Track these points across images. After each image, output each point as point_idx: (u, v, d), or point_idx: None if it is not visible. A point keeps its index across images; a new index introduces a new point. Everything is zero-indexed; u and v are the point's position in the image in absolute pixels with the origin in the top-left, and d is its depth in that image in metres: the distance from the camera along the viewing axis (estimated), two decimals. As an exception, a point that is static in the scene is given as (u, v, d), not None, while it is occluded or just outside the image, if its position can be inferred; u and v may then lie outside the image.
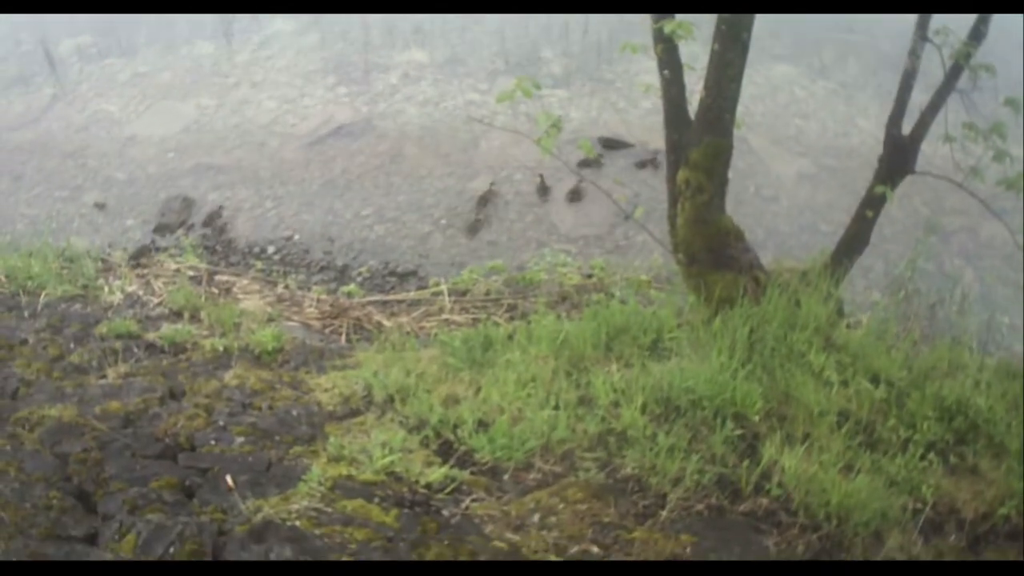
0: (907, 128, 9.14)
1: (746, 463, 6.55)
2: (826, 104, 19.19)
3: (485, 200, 15.63)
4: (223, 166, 16.69)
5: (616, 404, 7.00)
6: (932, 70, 9.11)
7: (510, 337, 8.33)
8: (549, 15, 21.17)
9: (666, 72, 8.48)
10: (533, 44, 20.76)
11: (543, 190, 15.40)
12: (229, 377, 8.02)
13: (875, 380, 7.82)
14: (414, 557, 5.05)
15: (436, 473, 6.24)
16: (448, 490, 6.10)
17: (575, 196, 15.39)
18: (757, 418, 7.03)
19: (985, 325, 12.48)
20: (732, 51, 7.85)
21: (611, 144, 16.61)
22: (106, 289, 10.96)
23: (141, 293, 11.07)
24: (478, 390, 7.36)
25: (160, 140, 17.72)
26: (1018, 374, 8.71)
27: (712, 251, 8.60)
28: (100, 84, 20.46)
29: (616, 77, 19.09)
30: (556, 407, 6.98)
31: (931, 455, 7.11)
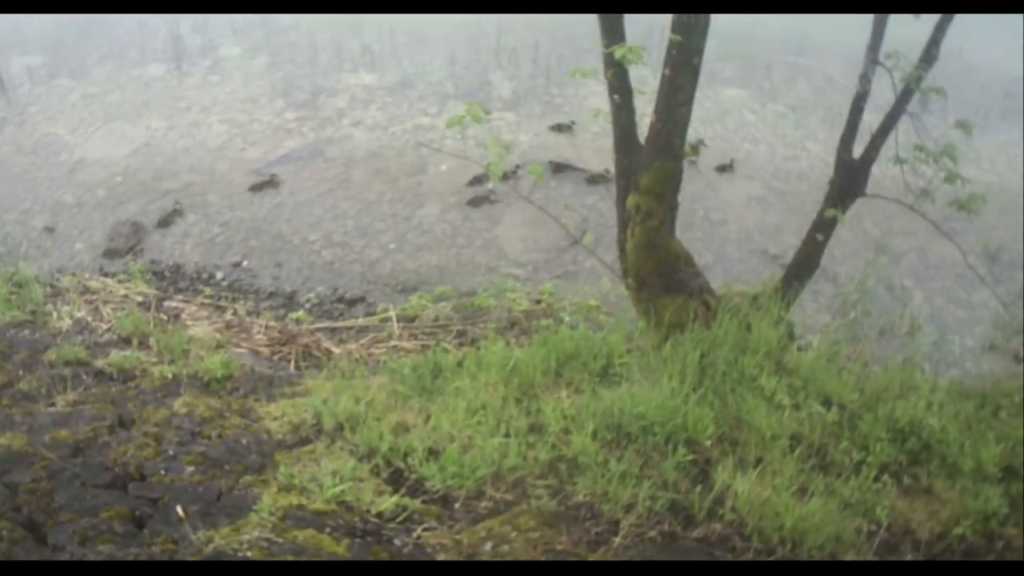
0: (858, 151, 9.19)
1: (699, 488, 6.56)
2: (776, 127, 19.34)
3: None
4: (172, 190, 16.53)
5: (567, 431, 6.99)
6: (883, 93, 9.16)
7: (459, 364, 8.29)
8: (499, 39, 21.23)
9: (616, 97, 8.50)
10: (483, 68, 20.81)
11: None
12: (178, 405, 7.91)
13: (827, 403, 7.86)
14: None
15: (387, 502, 6.18)
16: (399, 519, 6.04)
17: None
18: (709, 443, 7.05)
19: (936, 346, 12.55)
20: (682, 75, 7.87)
21: (559, 168, 16.64)
22: (55, 315, 10.85)
23: (90, 319, 10.97)
24: (428, 418, 7.32)
25: (110, 163, 17.58)
26: (971, 394, 8.76)
27: (662, 276, 8.64)
28: (50, 106, 20.33)
29: (565, 101, 19.11)
30: (506, 435, 6.94)
31: (885, 477, 7.16)
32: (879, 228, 15.48)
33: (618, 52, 7.72)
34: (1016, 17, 8.66)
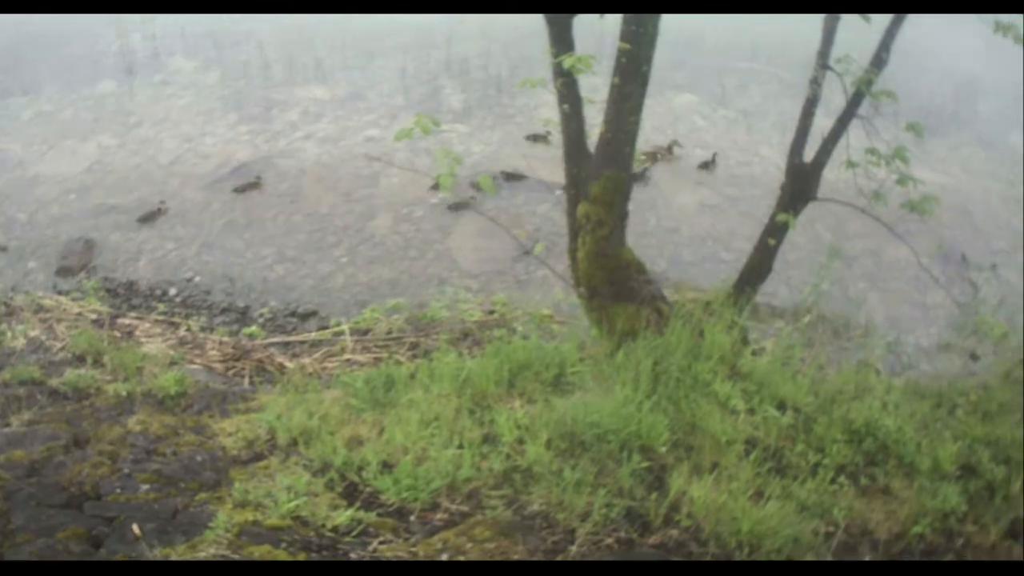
0: (811, 155, 9.23)
1: (654, 495, 6.55)
2: (727, 133, 19.39)
3: None
4: (125, 207, 16.44)
5: (520, 441, 6.98)
6: (835, 98, 9.20)
7: (412, 376, 8.26)
8: (450, 49, 21.25)
9: (566, 106, 8.53)
10: (434, 79, 20.79)
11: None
12: (133, 423, 7.84)
13: (782, 407, 7.90)
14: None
15: (342, 516, 6.15)
16: (355, 533, 6.01)
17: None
18: (664, 449, 7.05)
19: (891, 347, 12.60)
20: (632, 84, 7.87)
21: (511, 178, 16.73)
22: (8, 334, 10.79)
23: (44, 338, 10.90)
24: (381, 431, 7.29)
25: (63, 180, 17.49)
26: (926, 393, 8.80)
27: (613, 284, 8.65)
28: (2, 123, 20.20)
29: (517, 111, 19.13)
30: (460, 446, 6.93)
31: (841, 478, 7.19)
32: (832, 231, 15.58)
33: (567, 62, 7.71)
34: (967, 20, 8.64)
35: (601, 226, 8.40)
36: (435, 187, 15.51)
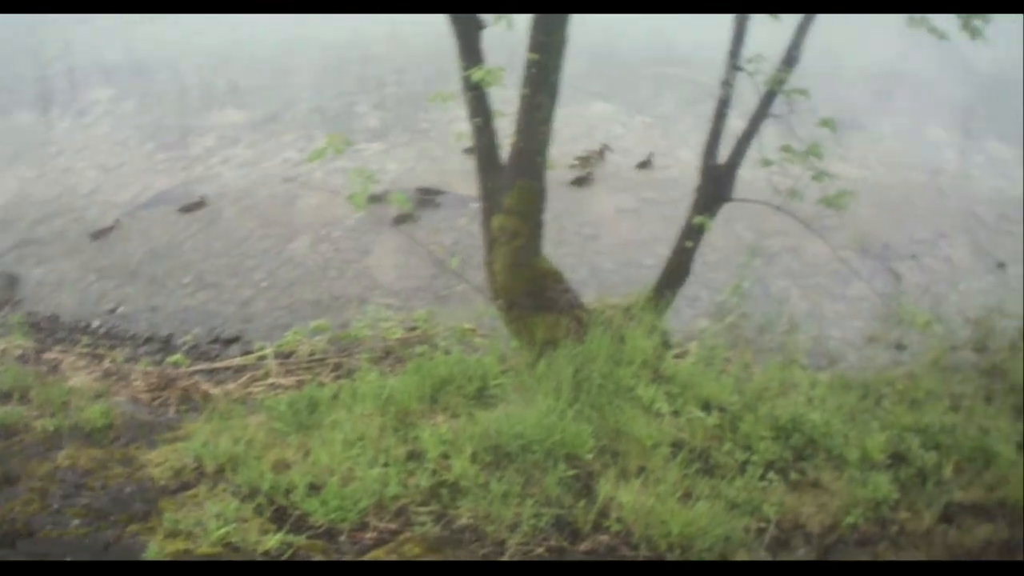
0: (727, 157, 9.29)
1: (582, 502, 6.60)
2: (644, 138, 19.45)
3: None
4: (46, 239, 16.30)
5: (446, 456, 7.02)
6: (752, 98, 9.24)
7: (335, 397, 8.25)
8: (364, 67, 21.25)
9: (477, 120, 8.55)
10: (349, 98, 20.75)
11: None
12: (62, 458, 7.78)
13: (707, 407, 7.99)
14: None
15: (272, 540, 6.15)
16: (286, 556, 6.01)
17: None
18: (590, 456, 7.10)
19: (816, 342, 12.67)
20: (541, 94, 7.91)
21: (428, 194, 16.72)
22: (-68, 374, 10.66)
23: (-31, 375, 10.81)
24: (307, 453, 7.29)
25: (-18, 214, 17.31)
26: (852, 385, 8.88)
27: (531, 294, 8.70)
28: (-80, 159, 20.00)
29: (432, 126, 19.15)
30: (386, 464, 6.95)
31: (770, 474, 7.26)
32: (752, 231, 15.65)
33: (475, 75, 7.73)
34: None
35: (516, 237, 8.44)
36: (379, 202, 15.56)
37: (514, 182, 8.36)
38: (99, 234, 15.95)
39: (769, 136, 9.04)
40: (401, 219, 15.76)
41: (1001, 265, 16.49)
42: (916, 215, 17.84)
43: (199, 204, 16.60)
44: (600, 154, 18.67)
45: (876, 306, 14.00)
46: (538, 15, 7.65)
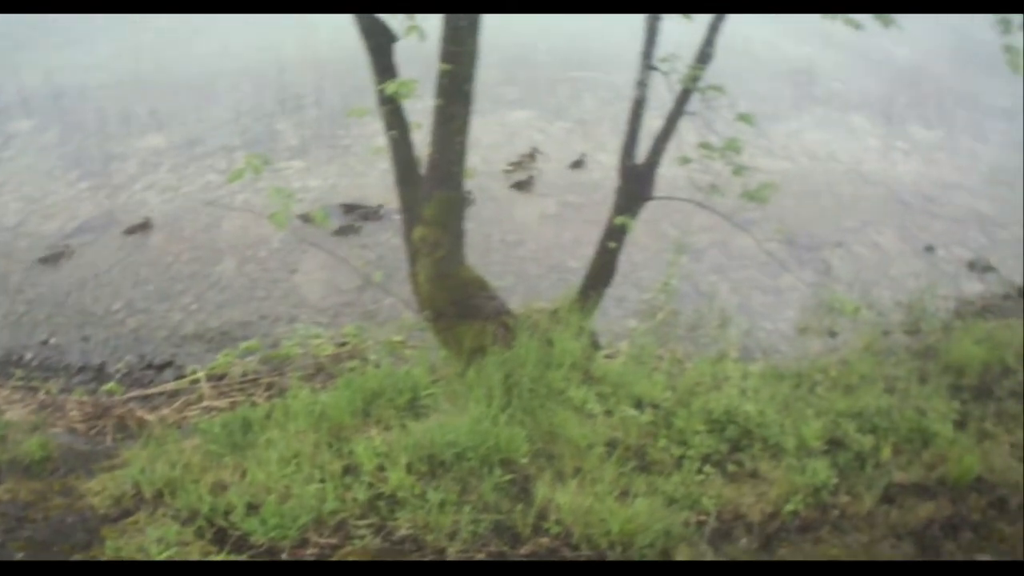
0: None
1: (520, 506, 6.63)
2: (565, 143, 19.43)
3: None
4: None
5: (381, 468, 7.04)
6: (671, 97, 9.28)
7: (268, 416, 8.22)
8: (282, 86, 21.18)
9: (393, 133, 8.59)
10: (268, 117, 20.66)
11: None
12: (1, 492, 7.74)
13: (639, 405, 8.04)
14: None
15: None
16: (228, 578, 5.99)
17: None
18: (525, 460, 7.14)
19: (748, 334, 12.73)
20: (455, 104, 7.94)
21: (351, 209, 16.70)
22: None
23: (-96, 416, 10.71)
24: (244, 473, 7.27)
25: (-93, 251, 17.11)
26: (785, 375, 8.94)
27: (457, 303, 8.74)
28: None
29: (353, 142, 19.10)
30: (322, 480, 6.95)
31: (707, 467, 7.28)
32: (677, 228, 15.67)
33: (389, 88, 7.75)
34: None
35: (438, 247, 8.47)
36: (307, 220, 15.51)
37: (432, 193, 8.39)
38: (49, 259, 15.85)
39: (694, 133, 9.07)
40: (344, 231, 15.90)
41: (929, 248, 16.63)
42: (841, 204, 17.98)
43: (144, 225, 16.47)
44: (531, 157, 18.74)
45: (806, 296, 14.11)
46: (448, 26, 7.65)
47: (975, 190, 19.45)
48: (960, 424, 8.73)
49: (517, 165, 18.46)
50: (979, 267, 16.32)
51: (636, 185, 9.43)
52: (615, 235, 9.59)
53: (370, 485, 6.89)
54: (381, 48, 8.30)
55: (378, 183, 17.08)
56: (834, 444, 7.99)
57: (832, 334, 13.14)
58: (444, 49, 7.76)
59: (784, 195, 16.66)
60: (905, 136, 21.85)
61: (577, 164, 18.41)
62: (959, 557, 6.68)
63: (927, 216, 17.98)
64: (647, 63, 9.01)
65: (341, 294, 14.39)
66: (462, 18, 7.55)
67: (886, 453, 7.89)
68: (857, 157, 20.23)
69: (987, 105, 23.85)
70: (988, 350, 10.43)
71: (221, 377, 11.87)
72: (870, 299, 14.27)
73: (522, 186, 17.63)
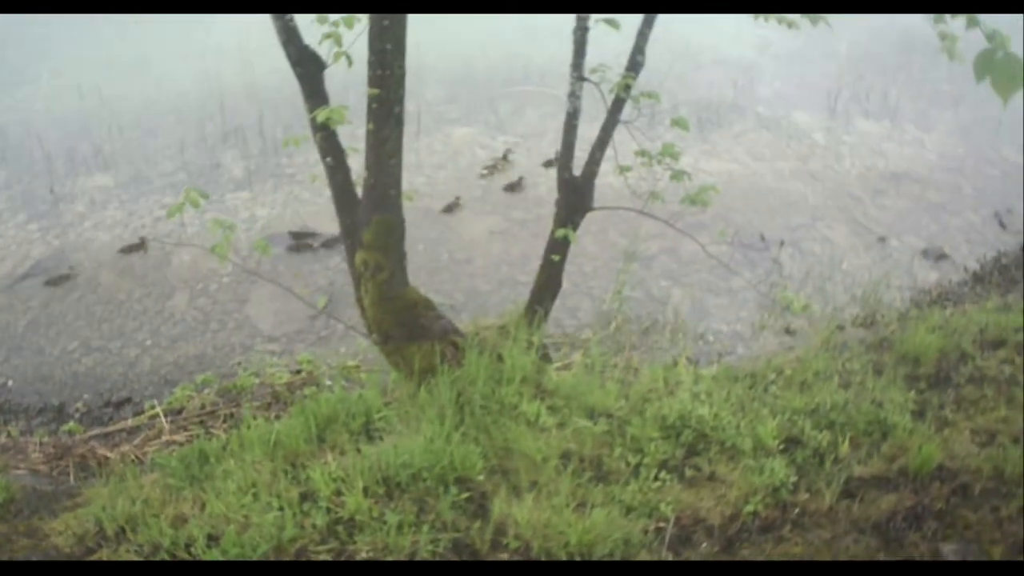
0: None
1: (478, 523, 6.62)
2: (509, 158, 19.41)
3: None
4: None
5: (338, 493, 6.99)
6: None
7: (224, 448, 8.18)
8: (224, 119, 21.16)
9: (328, 160, 8.60)
10: (212, 150, 20.60)
11: None
12: (-34, 536, 7.75)
13: (593, 415, 8.04)
14: None
15: (176, 595, 6.10)
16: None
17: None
18: (481, 477, 7.12)
19: (703, 337, 12.77)
20: (386, 127, 7.91)
21: (299, 237, 16.76)
22: None
23: None
24: (203, 505, 7.23)
25: None
26: (739, 376, 8.96)
27: (403, 325, 8.73)
28: None
29: (297, 170, 19.09)
30: (280, 508, 6.91)
31: (663, 473, 7.27)
32: (626, 236, 15.71)
33: (320, 116, 7.74)
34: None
35: (380, 271, 8.45)
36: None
37: (371, 217, 8.36)
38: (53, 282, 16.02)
39: (637, 141, 9.07)
40: (299, 247, 16.19)
41: (881, 239, 16.74)
42: (790, 202, 18.09)
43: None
44: (504, 159, 19.05)
45: (760, 296, 14.14)
46: (373, 50, 7.64)
47: (924, 179, 19.63)
48: (919, 414, 8.76)
49: (492, 168, 18.79)
50: (933, 255, 16.45)
51: (575, 197, 9.42)
52: (558, 248, 9.59)
53: (328, 510, 6.86)
54: (311, 76, 8.28)
55: (325, 210, 17.06)
56: (791, 442, 8.00)
57: (789, 332, 13.19)
58: (371, 74, 7.74)
59: (732, 197, 16.76)
60: (850, 130, 22.01)
61: (549, 164, 18.51)
62: (923, 547, 6.67)
63: (877, 208, 18.11)
64: (577, 75, 9.00)
65: (294, 322, 14.40)
66: (387, 41, 7.54)
67: (844, 448, 7.90)
68: (803, 154, 20.36)
69: (931, 93, 24.04)
70: (944, 338, 10.49)
71: (179, 411, 11.87)
72: (824, 295, 14.35)
73: (514, 188, 17.97)
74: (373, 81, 7.72)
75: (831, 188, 18.73)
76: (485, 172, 18.69)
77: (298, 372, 12.47)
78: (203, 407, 11.80)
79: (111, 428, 12.02)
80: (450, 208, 17.45)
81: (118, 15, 21.72)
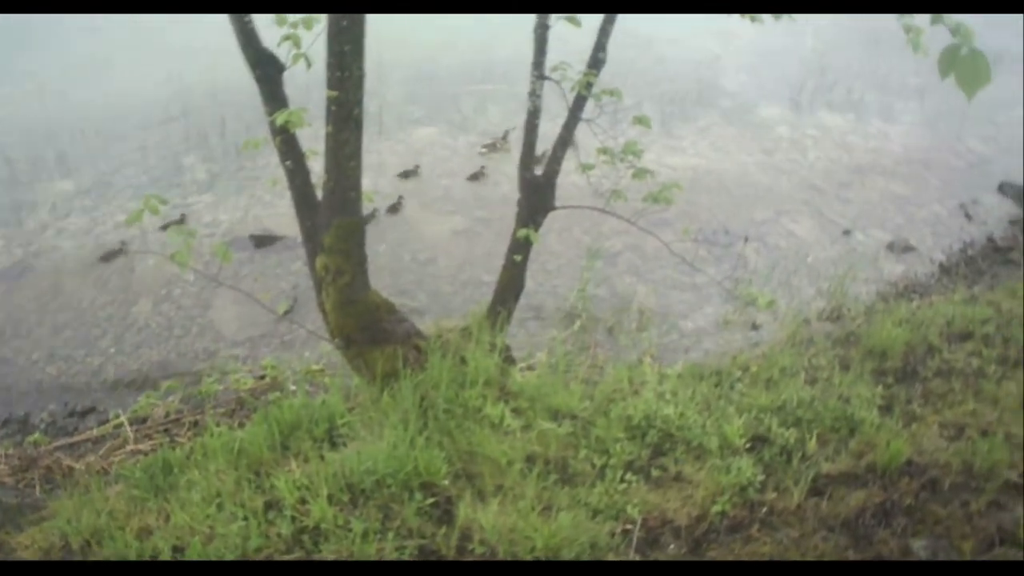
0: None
1: (443, 529, 6.56)
2: (471, 158, 19.49)
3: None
4: None
5: (303, 501, 6.91)
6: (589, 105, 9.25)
7: (188, 457, 8.11)
8: (187, 122, 21.11)
9: (288, 162, 8.55)
10: (175, 154, 20.52)
11: None
12: (-69, 552, 7.66)
13: (557, 417, 7.97)
14: None
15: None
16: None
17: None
18: (446, 482, 7.05)
19: (669, 333, 12.76)
20: (345, 130, 7.85)
21: (261, 241, 16.72)
22: None
23: None
24: (167, 516, 7.15)
25: None
26: (705, 374, 8.93)
27: (365, 329, 8.67)
28: None
29: (260, 173, 19.04)
30: (245, 517, 6.82)
31: (630, 475, 7.21)
32: (589, 235, 15.75)
33: (279, 119, 7.68)
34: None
35: (341, 275, 8.40)
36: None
37: (331, 221, 8.30)
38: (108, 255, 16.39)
39: (600, 139, 9.04)
40: (263, 242, 16.15)
41: (847, 232, 16.79)
42: (755, 195, 18.19)
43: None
44: (504, 138, 19.54)
45: (725, 291, 14.14)
46: (332, 52, 7.58)
47: (889, 171, 19.74)
48: (886, 408, 8.74)
49: (491, 146, 19.34)
50: (899, 248, 16.50)
51: (537, 196, 9.39)
52: (520, 248, 9.56)
53: (293, 519, 6.77)
54: (269, 78, 8.19)
55: (288, 212, 17.04)
56: (758, 440, 7.94)
57: (755, 327, 13.19)
58: (330, 76, 7.66)
59: (697, 192, 16.78)
60: (815, 123, 22.15)
61: (394, 208, 17.91)
62: (893, 544, 6.64)
63: (842, 202, 18.22)
64: (538, 73, 8.97)
65: (258, 326, 14.37)
66: (345, 43, 7.47)
67: (812, 445, 7.87)
68: (768, 148, 20.46)
69: (896, 85, 24.12)
70: (910, 331, 10.49)
71: (144, 420, 11.83)
72: (790, 289, 14.36)
73: (476, 177, 18.35)
74: (332, 83, 7.66)
75: (796, 182, 18.85)
76: (484, 151, 19.22)
77: (262, 378, 12.43)
78: (168, 415, 11.77)
79: (76, 438, 11.97)
80: (394, 208, 17.44)
81: (80, 18, 21.61)
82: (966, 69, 4.68)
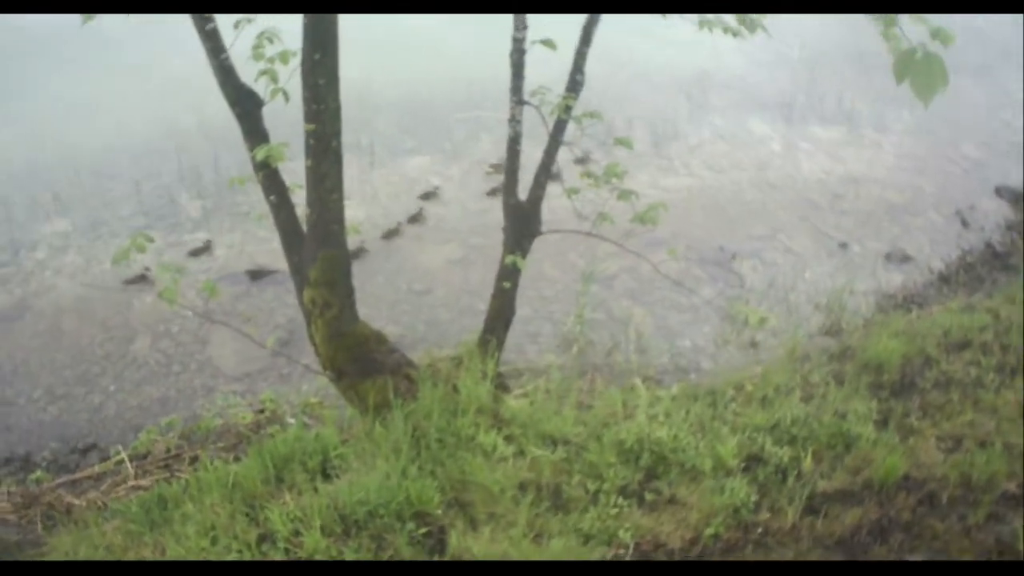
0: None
1: (436, 558, 6.55)
2: (463, 185, 19.42)
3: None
4: None
5: (297, 533, 6.94)
6: (572, 128, 9.22)
7: (184, 491, 8.12)
8: (180, 159, 21.09)
9: (272, 197, 8.58)
10: (168, 191, 20.49)
11: None
12: (-67, 589, 7.66)
13: (550, 443, 7.97)
14: None
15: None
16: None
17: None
18: (438, 511, 7.07)
19: (664, 354, 12.71)
20: (325, 163, 7.88)
21: (257, 275, 16.70)
22: None
23: None
24: (163, 550, 7.18)
25: None
26: (699, 395, 8.89)
27: (356, 361, 8.67)
28: None
29: (252, 208, 18.95)
30: (239, 550, 6.86)
31: (622, 499, 7.21)
32: (584, 258, 15.67)
33: (259, 154, 7.76)
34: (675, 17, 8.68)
35: (329, 307, 8.42)
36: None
37: (316, 254, 8.33)
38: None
39: (584, 164, 9.02)
40: (257, 276, 16.30)
41: (843, 245, 16.73)
42: (750, 212, 18.10)
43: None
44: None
45: (722, 310, 14.11)
46: (307, 86, 7.57)
47: (883, 181, 19.71)
48: (882, 423, 8.73)
49: (497, 167, 19.03)
50: (896, 258, 16.44)
51: (523, 223, 9.38)
52: (509, 275, 9.56)
53: (286, 551, 6.82)
54: (249, 114, 8.22)
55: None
56: (752, 460, 7.97)
57: (754, 344, 13.15)
58: (307, 109, 7.69)
59: (692, 211, 16.74)
60: (807, 136, 22.04)
61: (390, 234, 17.88)
62: (891, 560, 6.63)
63: (837, 214, 18.15)
64: (517, 98, 8.94)
65: (255, 361, 14.35)
66: (320, 76, 7.47)
67: (807, 463, 7.85)
68: (761, 163, 20.37)
69: (887, 94, 24.04)
70: (907, 342, 10.46)
71: (145, 456, 11.81)
72: (788, 305, 14.32)
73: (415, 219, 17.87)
74: (309, 116, 7.68)
75: (790, 196, 18.76)
76: (491, 170, 19.16)
77: (261, 411, 12.43)
78: (168, 451, 11.74)
79: (78, 475, 11.97)
80: (390, 235, 17.27)
81: (74, 57, 21.61)
82: (920, 75, 4.65)
